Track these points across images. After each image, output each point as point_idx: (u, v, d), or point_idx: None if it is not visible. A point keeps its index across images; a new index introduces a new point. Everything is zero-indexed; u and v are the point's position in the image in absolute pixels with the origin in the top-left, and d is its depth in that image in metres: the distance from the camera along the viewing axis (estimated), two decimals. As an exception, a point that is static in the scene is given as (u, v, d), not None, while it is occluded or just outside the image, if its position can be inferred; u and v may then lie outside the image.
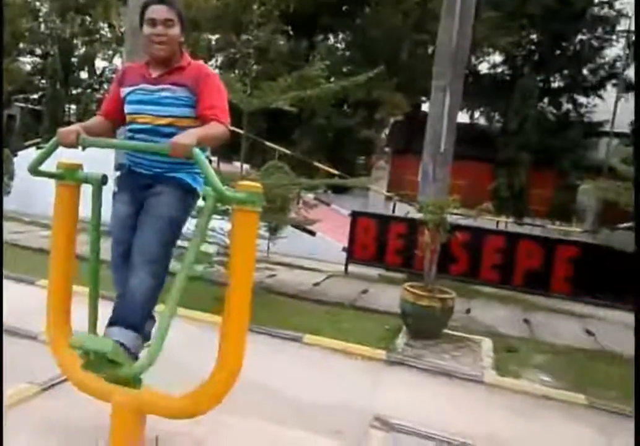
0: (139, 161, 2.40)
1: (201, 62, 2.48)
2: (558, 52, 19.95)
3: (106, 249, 2.40)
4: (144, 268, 2.20)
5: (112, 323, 2.17)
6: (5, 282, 5.44)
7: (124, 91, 2.40)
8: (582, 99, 20.46)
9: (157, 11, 2.28)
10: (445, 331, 5.10)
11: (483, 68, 22.07)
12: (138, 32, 2.45)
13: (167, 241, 2.29)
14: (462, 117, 16.69)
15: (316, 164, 14.25)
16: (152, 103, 2.32)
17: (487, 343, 5.02)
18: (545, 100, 20.40)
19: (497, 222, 11.96)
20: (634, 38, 16.11)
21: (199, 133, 2.15)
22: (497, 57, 21.58)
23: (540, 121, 18.34)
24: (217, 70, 21.16)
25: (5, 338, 3.78)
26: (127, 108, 2.39)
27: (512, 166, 17.21)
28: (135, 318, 2.18)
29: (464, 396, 3.81)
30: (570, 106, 20.55)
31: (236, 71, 18.01)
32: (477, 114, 22.70)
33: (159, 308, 2.29)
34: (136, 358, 2.17)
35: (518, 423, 3.49)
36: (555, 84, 20.71)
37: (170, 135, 2.19)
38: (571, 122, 19.60)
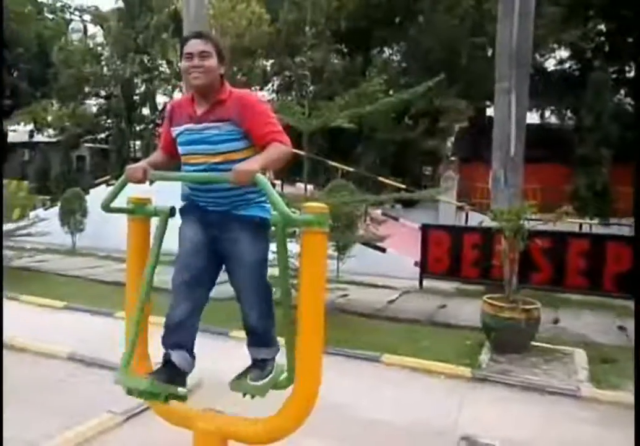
0: (202, 199, 2.40)
1: (243, 91, 2.43)
2: (630, 40, 18.82)
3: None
4: (256, 306, 2.41)
5: (253, 345, 2.49)
6: (84, 315, 5.77)
7: (175, 130, 2.42)
8: (662, 87, 19.13)
9: (193, 45, 2.31)
10: (533, 343, 4.80)
11: (550, 65, 21.22)
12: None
13: (262, 278, 2.42)
14: (532, 118, 16.08)
15: (381, 179, 14.12)
16: (202, 142, 2.31)
17: (580, 354, 4.68)
18: (622, 92, 19.25)
19: (580, 224, 11.28)
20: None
21: (261, 158, 2.16)
22: (564, 53, 20.70)
23: (618, 114, 17.27)
24: (273, 95, 21.73)
25: (86, 369, 3.97)
26: (180, 149, 2.41)
27: (591, 164, 16.24)
28: (267, 338, 2.50)
29: (558, 412, 3.55)
30: (649, 96, 19.26)
31: (293, 93, 18.37)
32: (547, 113, 21.81)
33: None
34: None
35: (620, 438, 3.18)
36: (631, 74, 19.53)
37: (227, 171, 2.18)
38: (652, 112, 18.33)
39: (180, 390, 2.23)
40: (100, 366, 3.91)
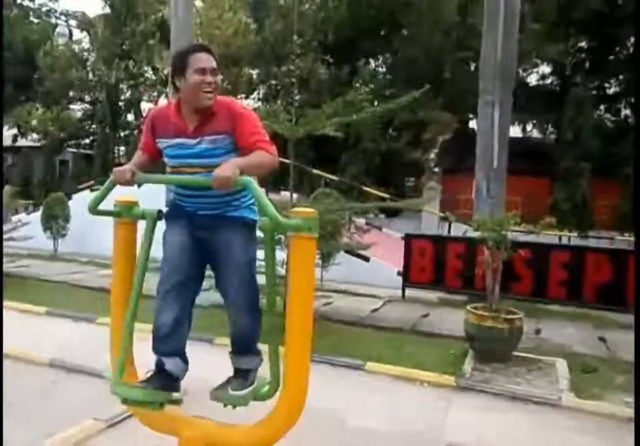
0: (189, 203, 2.39)
1: (227, 99, 2.40)
2: (611, 57, 19.32)
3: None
4: (244, 310, 2.36)
5: (237, 353, 2.44)
6: (65, 321, 5.67)
7: (160, 142, 2.39)
8: (640, 104, 19.63)
9: (206, 60, 2.27)
10: (515, 353, 4.84)
11: (532, 80, 21.66)
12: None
13: (253, 279, 2.39)
14: (514, 131, 16.34)
15: (365, 188, 14.20)
16: (198, 157, 2.29)
17: (561, 364, 4.73)
18: (602, 107, 19.71)
19: (560, 237, 11.45)
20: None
21: (240, 162, 2.15)
22: (546, 68, 21.15)
23: (598, 129, 17.67)
24: (259, 103, 21.78)
25: (69, 375, 3.89)
26: (169, 161, 2.38)
27: (571, 177, 16.56)
28: (252, 345, 2.47)
29: (540, 421, 3.57)
30: (628, 112, 19.76)
31: (279, 102, 18.43)
32: (529, 127, 22.21)
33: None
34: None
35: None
36: (610, 90, 20.01)
37: None
38: (630, 128, 18.78)
39: (175, 394, 2.24)
40: (83, 372, 3.84)
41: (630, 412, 3.68)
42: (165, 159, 2.41)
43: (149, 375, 2.29)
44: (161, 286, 2.34)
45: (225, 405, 2.35)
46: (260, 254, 2.49)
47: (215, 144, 2.27)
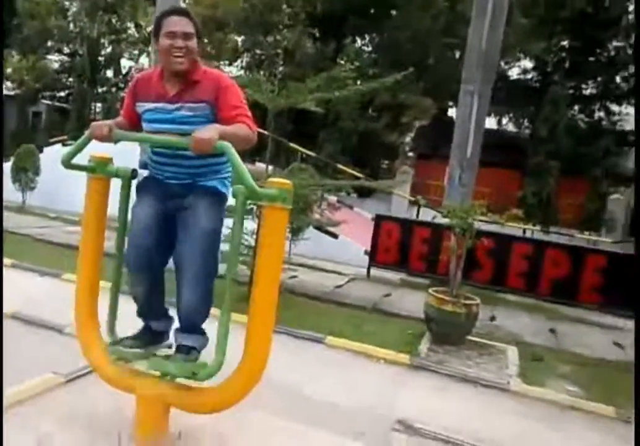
0: (164, 168, 2.36)
1: (217, 72, 2.40)
2: (591, 58, 19.62)
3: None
4: (196, 282, 2.26)
5: (181, 330, 2.38)
6: (31, 275, 5.58)
7: (140, 106, 2.36)
8: (614, 108, 20.08)
9: (177, 24, 2.23)
10: (469, 337, 5.02)
11: (513, 73, 21.85)
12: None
13: (213, 251, 2.31)
14: (490, 123, 16.53)
15: (340, 166, 14.22)
16: (173, 122, 2.27)
17: (512, 351, 4.92)
18: (576, 107, 20.08)
19: (524, 230, 11.74)
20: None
21: (221, 127, 2.13)
22: (528, 63, 21.33)
23: (571, 128, 18.03)
24: (242, 71, 21.40)
25: (30, 329, 3.86)
26: (146, 126, 2.35)
27: (541, 173, 16.93)
28: (198, 324, 2.38)
29: (488, 403, 3.74)
30: (602, 114, 20.18)
31: (262, 72, 18.15)
32: (505, 120, 22.47)
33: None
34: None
35: (543, 432, 3.41)
36: (587, 92, 20.37)
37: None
38: (603, 130, 19.23)
39: (165, 343, 2.48)
40: (45, 327, 3.81)
41: (570, 400, 3.90)
42: (143, 125, 2.37)
43: (137, 331, 2.43)
44: (129, 255, 2.34)
45: (162, 375, 2.29)
46: (228, 224, 2.48)
47: (194, 111, 2.25)
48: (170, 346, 2.44)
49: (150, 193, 2.37)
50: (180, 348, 2.32)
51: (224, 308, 2.20)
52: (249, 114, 2.30)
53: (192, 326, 2.34)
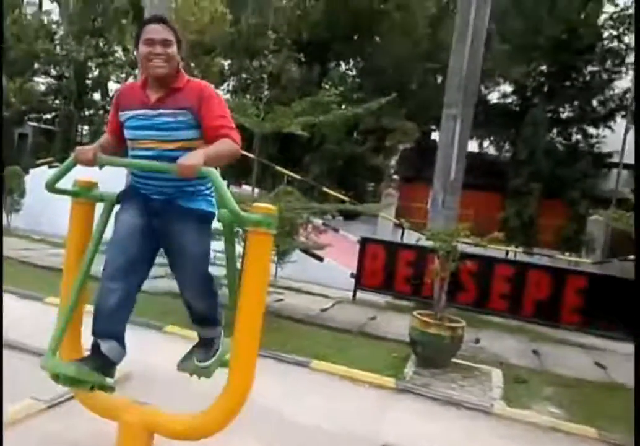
0: (148, 187, 2.35)
1: (201, 81, 2.40)
2: (568, 83, 20.20)
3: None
4: (200, 298, 2.43)
5: (203, 325, 2.52)
6: (14, 298, 5.48)
7: (122, 115, 2.37)
8: (591, 130, 20.59)
9: (155, 31, 2.26)
10: (455, 360, 5.02)
11: (493, 98, 22.36)
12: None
13: (206, 272, 2.42)
14: (471, 146, 16.80)
15: (326, 189, 14.32)
16: (153, 128, 2.27)
17: (496, 374, 4.93)
18: (555, 131, 20.55)
19: (507, 251, 11.89)
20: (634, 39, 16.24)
21: (206, 152, 2.13)
22: (507, 88, 21.86)
23: (550, 151, 18.44)
24: (228, 95, 21.59)
25: (12, 354, 3.77)
26: (127, 134, 2.35)
27: (521, 195, 17.23)
28: (215, 320, 2.55)
29: (472, 427, 3.73)
30: (579, 137, 20.67)
31: (248, 96, 18.33)
32: (486, 144, 22.88)
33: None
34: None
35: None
36: (564, 115, 20.91)
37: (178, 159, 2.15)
38: (581, 152, 19.68)
39: (108, 380, 2.19)
40: (26, 351, 3.73)
41: (553, 421, 3.91)
42: (125, 133, 2.36)
43: (85, 355, 2.29)
44: (107, 267, 2.29)
45: (191, 375, 2.43)
46: (217, 245, 2.52)
47: (176, 117, 2.25)
48: (112, 388, 2.23)
49: (133, 205, 2.36)
50: (201, 340, 2.53)
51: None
52: (233, 124, 2.31)
53: (207, 323, 2.51)
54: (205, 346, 2.51)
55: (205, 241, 2.38)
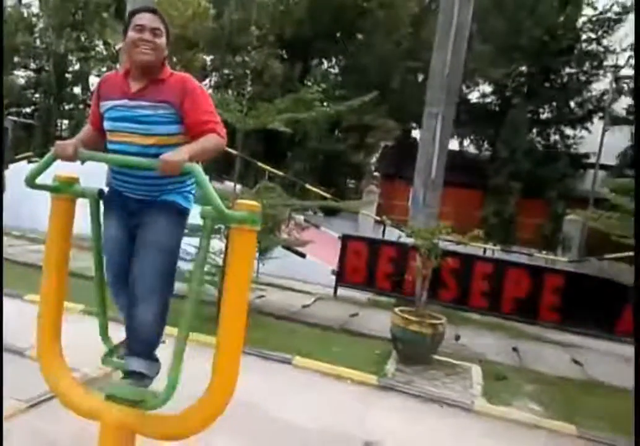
0: (126, 184, 2.30)
1: (184, 74, 2.33)
2: (547, 84, 20.48)
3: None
4: (149, 300, 2.18)
5: (130, 354, 2.25)
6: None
7: (103, 105, 2.30)
8: (568, 131, 20.93)
9: (146, 19, 2.22)
10: (436, 357, 5.06)
11: (473, 97, 22.56)
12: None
13: (168, 270, 2.25)
14: (452, 145, 16.95)
15: (307, 186, 14.29)
16: (132, 121, 2.21)
17: (476, 370, 4.99)
18: (534, 131, 20.84)
19: (485, 249, 12.02)
20: (633, 39, 16.56)
21: (192, 148, 2.09)
22: (487, 88, 22.08)
23: (529, 151, 18.70)
24: (210, 90, 21.41)
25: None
26: (107, 125, 2.28)
27: (501, 194, 17.46)
28: (150, 348, 2.26)
29: (453, 424, 3.77)
30: (557, 138, 21.00)
31: (230, 92, 18.20)
32: (466, 142, 23.10)
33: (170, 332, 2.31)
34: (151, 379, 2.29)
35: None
36: (543, 116, 21.20)
37: (157, 156, 2.08)
38: (559, 153, 19.99)
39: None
40: (5, 350, 3.65)
41: (533, 418, 3.97)
42: (105, 124, 2.30)
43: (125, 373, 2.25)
44: (113, 288, 2.34)
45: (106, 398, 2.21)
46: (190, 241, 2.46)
47: (156, 110, 2.19)
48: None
49: (115, 210, 2.33)
50: (131, 374, 2.21)
51: (181, 328, 2.14)
52: (218, 118, 2.26)
53: (143, 349, 2.23)
54: (135, 380, 2.22)
55: (176, 235, 2.28)
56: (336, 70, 22.91)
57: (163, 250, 2.21)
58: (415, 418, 3.77)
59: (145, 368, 2.22)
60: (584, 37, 20.49)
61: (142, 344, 2.23)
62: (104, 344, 2.40)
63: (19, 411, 2.73)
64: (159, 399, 2.15)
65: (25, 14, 23.61)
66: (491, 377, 4.88)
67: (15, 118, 23.82)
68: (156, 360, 2.30)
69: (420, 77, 19.69)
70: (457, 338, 6.20)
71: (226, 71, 21.19)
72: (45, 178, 2.33)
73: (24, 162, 12.91)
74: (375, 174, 23.31)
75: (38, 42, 23.13)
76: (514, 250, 14.67)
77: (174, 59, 17.20)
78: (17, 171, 10.86)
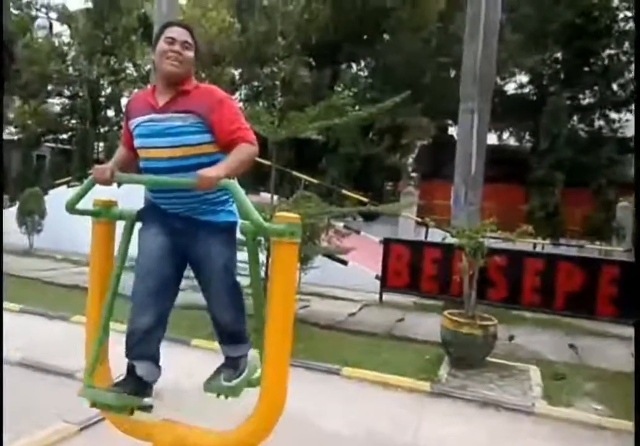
0: (165, 200, 2.30)
1: (211, 85, 2.36)
2: (586, 69, 19.77)
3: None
4: (230, 311, 2.34)
5: (225, 343, 2.43)
6: (41, 319, 5.54)
7: (132, 123, 2.32)
8: (613, 115, 20.12)
9: (177, 32, 2.26)
10: (490, 359, 4.90)
11: (510, 88, 22.03)
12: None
13: (234, 283, 2.35)
14: (491, 139, 16.57)
15: (344, 192, 14.23)
16: (163, 135, 2.21)
17: (534, 371, 4.81)
18: (576, 117, 20.15)
19: (534, 244, 11.66)
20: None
21: (228, 163, 2.11)
22: (524, 77, 21.52)
23: (572, 139, 18.05)
24: (240, 104, 21.71)
25: (39, 375, 3.79)
26: (137, 142, 2.30)
27: (545, 186, 16.89)
28: (243, 337, 2.45)
29: (514, 428, 3.62)
30: (602, 123, 20.22)
31: (261, 103, 18.38)
32: (505, 135, 22.55)
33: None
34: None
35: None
36: (585, 101, 20.47)
37: (192, 167, 2.13)
38: (604, 138, 19.23)
39: (146, 400, 2.17)
40: (55, 372, 3.74)
41: (597, 419, 3.77)
42: (135, 142, 2.32)
43: (120, 379, 2.24)
44: (137, 289, 2.27)
45: (217, 396, 2.33)
46: (241, 255, 2.46)
47: (185, 121, 2.19)
48: (151, 406, 2.21)
49: (154, 224, 2.32)
50: (228, 360, 2.41)
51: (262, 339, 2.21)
52: (247, 125, 2.27)
53: (233, 339, 2.41)
54: (232, 365, 2.43)
55: (230, 252, 2.32)
56: (366, 72, 22.81)
57: (225, 274, 2.29)
58: (473, 424, 3.65)
59: (239, 351, 2.43)
60: (620, 16, 19.71)
61: (233, 336, 2.41)
62: (86, 379, 2.29)
63: (71, 434, 2.77)
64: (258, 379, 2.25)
65: (57, 43, 24.61)
66: (550, 377, 4.68)
67: (52, 145, 24.82)
68: (246, 341, 2.45)
69: (453, 73, 19.35)
70: (511, 338, 6.00)
71: (255, 83, 21.43)
72: (85, 202, 2.38)
73: (63, 187, 13.37)
74: (413, 174, 23.02)
75: (70, 69, 24.03)
76: (564, 243, 14.19)
77: (202, 75, 17.52)
78: (57, 196, 11.30)
